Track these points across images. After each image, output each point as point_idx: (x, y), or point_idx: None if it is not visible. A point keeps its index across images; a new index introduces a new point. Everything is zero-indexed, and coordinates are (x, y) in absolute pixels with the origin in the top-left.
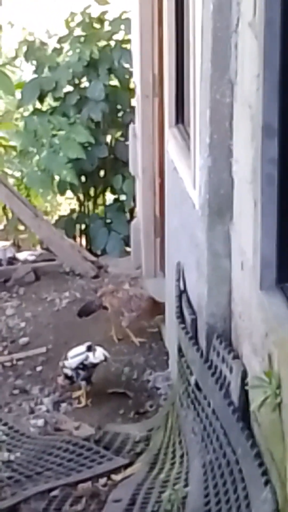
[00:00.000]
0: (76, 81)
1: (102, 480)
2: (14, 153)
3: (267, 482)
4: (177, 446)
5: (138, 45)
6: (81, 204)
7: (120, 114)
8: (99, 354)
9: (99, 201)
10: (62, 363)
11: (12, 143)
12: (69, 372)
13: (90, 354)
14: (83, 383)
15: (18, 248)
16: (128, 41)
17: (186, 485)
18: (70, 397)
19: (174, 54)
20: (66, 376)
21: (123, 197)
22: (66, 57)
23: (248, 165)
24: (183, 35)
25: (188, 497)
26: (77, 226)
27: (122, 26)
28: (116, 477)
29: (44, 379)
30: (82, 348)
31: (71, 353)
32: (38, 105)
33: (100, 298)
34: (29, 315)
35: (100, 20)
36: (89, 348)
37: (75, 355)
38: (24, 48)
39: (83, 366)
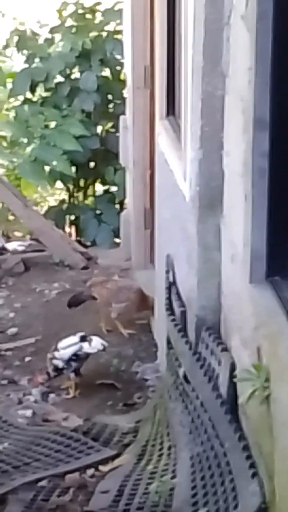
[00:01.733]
0: (68, 72)
1: (90, 471)
2: (4, 143)
3: (254, 475)
4: (165, 438)
5: (130, 37)
6: (71, 195)
7: (111, 105)
8: (96, 343)
9: (89, 192)
10: (52, 354)
11: (2, 133)
12: (60, 364)
13: (85, 344)
14: (72, 374)
15: (8, 239)
16: (121, 31)
17: (173, 477)
18: (59, 388)
19: (166, 46)
20: (56, 368)
21: (113, 189)
22: (58, 47)
23: (240, 158)
24: (175, 27)
25: (175, 489)
26: (67, 217)
27: (115, 17)
28: (104, 468)
29: (33, 369)
30: (74, 338)
31: (62, 344)
32: (29, 96)
33: (90, 288)
34: (19, 305)
35: (92, 11)
36: (83, 339)
37: (67, 346)
38: (15, 38)
39: (76, 357)
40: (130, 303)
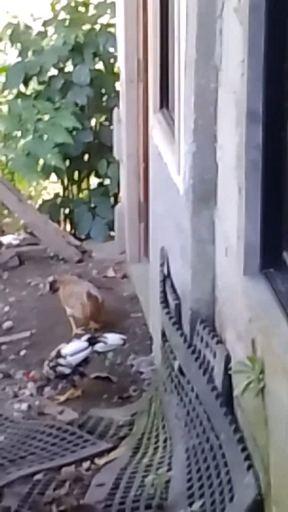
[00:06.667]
0: (61, 65)
1: (86, 464)
2: None
3: (250, 467)
4: (161, 431)
5: (123, 30)
6: (65, 188)
7: (104, 98)
8: (113, 339)
9: (83, 185)
10: (54, 362)
11: None
12: (67, 371)
13: (99, 345)
14: (77, 377)
15: (2, 233)
16: (114, 25)
17: (169, 470)
18: (55, 385)
19: (159, 39)
20: (61, 375)
21: (107, 182)
22: (51, 41)
23: (233, 151)
24: (167, 20)
25: (171, 482)
26: (61, 210)
27: (108, 10)
28: (99, 461)
29: (28, 363)
30: (81, 343)
31: (67, 350)
32: (22, 89)
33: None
34: (13, 299)
35: (85, 4)
36: (91, 341)
37: (75, 352)
38: (9, 32)
39: (84, 361)
40: (77, 310)
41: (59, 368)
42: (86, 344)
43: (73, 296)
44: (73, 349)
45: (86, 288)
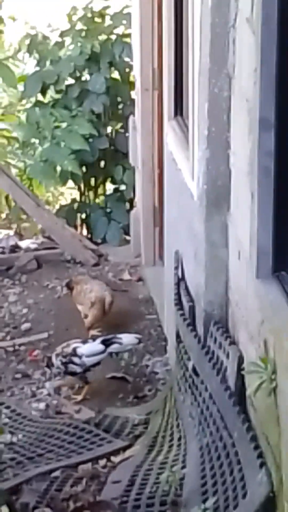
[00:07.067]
0: (78, 74)
1: (102, 462)
2: (17, 144)
3: (262, 465)
4: (175, 429)
5: (138, 40)
6: (82, 194)
7: (120, 106)
8: (128, 340)
9: (100, 191)
10: (69, 358)
11: (14, 134)
12: (78, 369)
13: (114, 346)
14: (88, 374)
15: (20, 237)
16: (129, 35)
17: (183, 467)
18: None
19: (173, 49)
20: (71, 373)
21: (123, 187)
22: (68, 50)
23: (246, 157)
24: (182, 30)
25: (185, 479)
26: (78, 215)
27: (124, 21)
28: (115, 459)
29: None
30: (98, 346)
31: (83, 350)
32: (40, 98)
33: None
34: (31, 302)
35: (101, 15)
36: (106, 343)
37: (92, 354)
38: (27, 42)
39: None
40: (87, 307)
41: (71, 366)
42: (103, 347)
43: (83, 293)
44: (89, 351)
45: (96, 285)
